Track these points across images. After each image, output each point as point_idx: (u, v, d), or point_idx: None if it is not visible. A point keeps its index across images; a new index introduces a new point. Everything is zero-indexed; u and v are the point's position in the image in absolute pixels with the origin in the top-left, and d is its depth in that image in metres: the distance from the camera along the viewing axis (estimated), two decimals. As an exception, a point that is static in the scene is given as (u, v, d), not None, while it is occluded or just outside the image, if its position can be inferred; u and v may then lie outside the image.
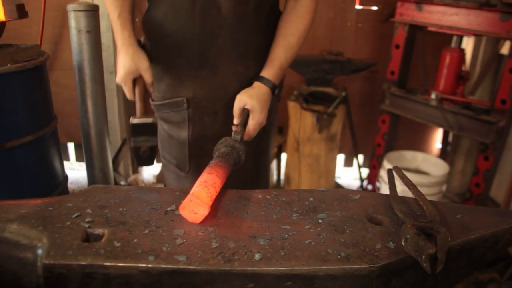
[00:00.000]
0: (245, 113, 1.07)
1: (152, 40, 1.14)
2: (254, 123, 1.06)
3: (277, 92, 1.32)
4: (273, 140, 1.40)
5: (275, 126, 1.39)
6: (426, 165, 2.58)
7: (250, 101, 1.06)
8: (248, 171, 1.30)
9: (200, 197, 0.71)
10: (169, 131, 1.21)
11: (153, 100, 1.22)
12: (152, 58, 1.11)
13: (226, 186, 0.83)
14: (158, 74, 1.15)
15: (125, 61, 1.03)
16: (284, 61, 1.12)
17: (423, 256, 0.60)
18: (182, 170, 1.23)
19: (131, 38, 1.05)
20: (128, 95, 1.07)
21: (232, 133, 1.04)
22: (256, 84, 1.10)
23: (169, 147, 1.24)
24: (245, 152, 0.97)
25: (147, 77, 1.06)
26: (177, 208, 0.74)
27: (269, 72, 1.11)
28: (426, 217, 0.71)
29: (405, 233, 0.65)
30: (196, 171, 1.22)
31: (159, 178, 2.94)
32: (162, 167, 1.34)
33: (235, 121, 1.09)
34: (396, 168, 0.88)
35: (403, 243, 0.65)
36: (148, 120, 1.09)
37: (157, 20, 1.10)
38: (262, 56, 1.14)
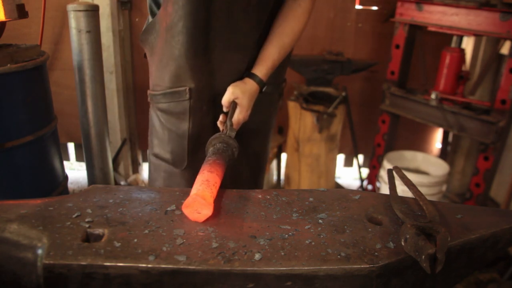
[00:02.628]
0: (233, 106, 1.07)
1: (160, 29, 1.12)
2: (240, 118, 1.07)
3: (279, 93, 1.32)
4: (270, 142, 1.40)
5: (274, 128, 1.39)
6: (426, 165, 2.58)
7: (241, 96, 1.06)
8: (245, 171, 1.30)
9: (205, 197, 0.71)
10: (168, 123, 1.19)
11: (153, 90, 1.19)
12: (159, 46, 1.10)
13: (221, 186, 0.83)
14: (162, 62, 1.13)
15: None
16: (277, 60, 1.13)
17: (423, 256, 0.60)
18: (177, 167, 1.21)
19: None
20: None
21: (225, 129, 1.03)
22: (248, 80, 1.11)
23: (165, 141, 1.21)
24: (238, 149, 0.97)
25: None
26: (177, 208, 0.74)
27: (261, 70, 1.12)
28: (426, 217, 0.71)
29: (405, 233, 0.65)
30: (192, 167, 1.20)
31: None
32: (151, 168, 1.29)
33: (224, 109, 1.09)
34: (396, 168, 0.88)
35: (402, 243, 0.65)
36: None
37: (167, 9, 1.08)
38: (256, 48, 1.14)
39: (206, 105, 1.17)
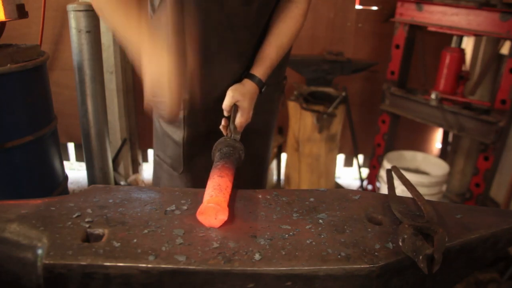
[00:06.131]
0: (235, 110, 1.07)
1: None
2: (243, 120, 1.07)
3: (280, 91, 1.32)
4: (272, 142, 1.40)
5: (275, 128, 1.39)
6: (426, 165, 2.58)
7: (242, 98, 1.06)
8: (247, 172, 1.29)
9: (218, 203, 0.70)
10: (166, 129, 1.21)
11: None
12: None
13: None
14: None
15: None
16: (275, 60, 1.13)
17: (420, 257, 0.60)
18: (175, 170, 1.23)
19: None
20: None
21: (229, 132, 1.03)
22: (247, 81, 1.10)
23: (164, 145, 1.23)
24: (244, 152, 0.97)
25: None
26: (177, 208, 0.74)
27: (260, 70, 1.11)
28: (424, 217, 0.71)
29: (403, 233, 0.65)
30: (189, 171, 1.22)
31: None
32: (155, 167, 1.32)
33: (225, 113, 1.09)
34: (394, 168, 0.88)
35: (400, 243, 0.65)
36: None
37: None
38: (255, 53, 1.15)
39: (202, 113, 1.17)
